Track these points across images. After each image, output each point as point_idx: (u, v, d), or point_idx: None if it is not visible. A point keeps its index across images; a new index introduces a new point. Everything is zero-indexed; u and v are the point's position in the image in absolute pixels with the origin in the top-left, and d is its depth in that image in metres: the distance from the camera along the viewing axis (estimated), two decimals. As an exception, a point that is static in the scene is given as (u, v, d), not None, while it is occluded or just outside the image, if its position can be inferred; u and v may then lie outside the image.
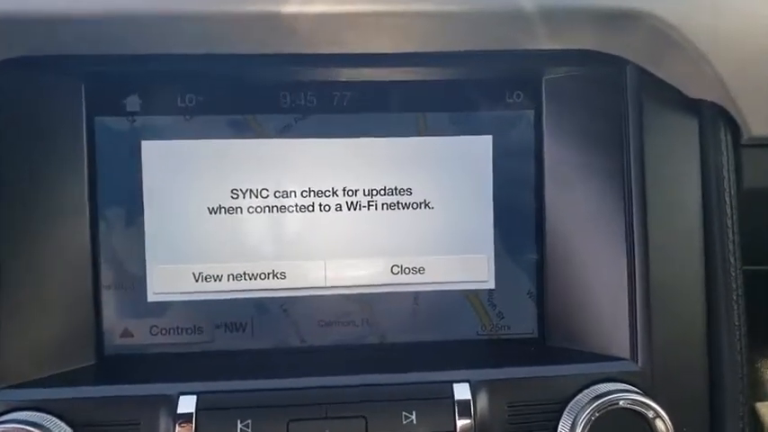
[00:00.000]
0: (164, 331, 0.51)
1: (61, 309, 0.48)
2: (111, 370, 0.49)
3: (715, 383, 0.48)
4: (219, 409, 0.44)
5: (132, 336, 0.51)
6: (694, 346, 0.49)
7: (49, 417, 0.43)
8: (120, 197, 0.50)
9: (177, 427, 0.43)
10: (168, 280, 0.51)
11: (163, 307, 0.51)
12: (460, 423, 0.44)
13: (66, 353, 0.48)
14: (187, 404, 0.44)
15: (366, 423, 0.44)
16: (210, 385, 0.45)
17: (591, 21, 0.44)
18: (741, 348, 0.48)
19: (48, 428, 0.42)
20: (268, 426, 0.44)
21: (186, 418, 0.43)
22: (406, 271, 0.52)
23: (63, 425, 0.43)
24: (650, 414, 0.45)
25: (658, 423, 0.45)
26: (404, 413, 0.44)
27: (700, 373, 0.48)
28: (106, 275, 0.50)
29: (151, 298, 0.51)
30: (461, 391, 0.45)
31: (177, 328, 0.51)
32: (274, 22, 0.42)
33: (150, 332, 0.51)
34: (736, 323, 0.48)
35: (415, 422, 0.44)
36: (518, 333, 0.53)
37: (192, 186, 0.51)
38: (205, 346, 0.51)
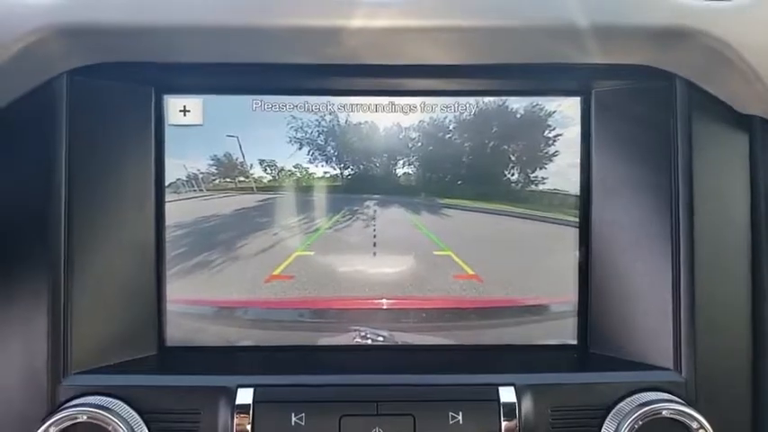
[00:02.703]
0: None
1: (127, 300, 0.50)
2: (172, 361, 0.51)
3: (758, 397, 0.49)
4: (275, 401, 0.46)
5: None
6: (739, 358, 0.49)
7: (117, 402, 0.46)
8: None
9: (236, 417, 0.46)
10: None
11: (221, 302, 0.54)
12: (505, 425, 0.46)
13: (131, 343, 0.51)
14: (245, 396, 0.46)
15: (414, 421, 0.46)
16: (267, 379, 0.47)
17: (645, 38, 0.45)
18: None
19: (116, 413, 0.45)
20: (321, 419, 0.46)
21: (244, 409, 0.46)
22: (455, 277, 0.54)
23: (130, 410, 0.46)
24: (694, 425, 0.45)
25: (702, 435, 0.45)
26: (450, 413, 0.46)
27: (743, 385, 0.49)
28: (170, 271, 0.53)
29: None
30: (507, 394, 0.47)
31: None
32: (339, 35, 0.44)
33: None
34: None
35: (461, 422, 0.46)
36: (559, 340, 0.54)
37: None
38: (260, 341, 0.54)
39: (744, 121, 0.50)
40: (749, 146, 0.50)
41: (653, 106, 0.51)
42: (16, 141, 0.48)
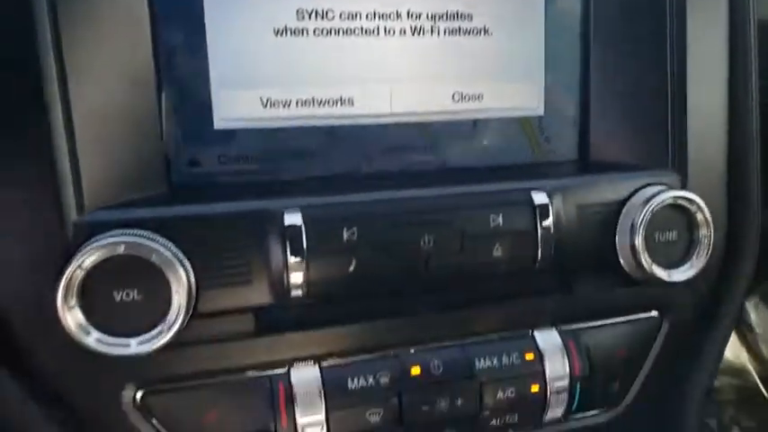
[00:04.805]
0: (232, 160, 0.50)
1: (128, 131, 0.44)
2: (187, 196, 0.47)
3: (736, 191, 0.57)
4: (325, 220, 0.45)
5: (200, 164, 0.49)
6: (719, 157, 0.56)
7: (154, 234, 0.41)
8: (180, 16, 0.46)
9: (288, 240, 0.43)
10: (235, 105, 0.49)
11: (230, 135, 0.49)
12: (540, 223, 0.49)
13: (137, 179, 0.45)
14: (293, 218, 0.44)
15: (459, 227, 0.47)
16: (310, 200, 0.45)
17: None
18: (756, 163, 0.56)
19: (159, 242, 0.41)
20: (373, 232, 0.45)
21: (295, 230, 0.44)
22: (466, 98, 0.54)
23: (168, 242, 0.41)
24: (693, 208, 0.52)
25: (698, 216, 0.52)
26: (491, 215, 0.48)
27: (723, 180, 0.57)
28: (169, 98, 0.47)
29: (218, 125, 0.49)
30: (539, 197, 0.49)
31: (246, 156, 0.50)
32: None
33: (218, 161, 0.49)
34: (754, 135, 0.56)
35: (501, 224, 0.48)
36: (563, 156, 0.58)
37: (256, 4, 0.48)
38: (275, 175, 0.51)
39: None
40: None
41: None
42: None
